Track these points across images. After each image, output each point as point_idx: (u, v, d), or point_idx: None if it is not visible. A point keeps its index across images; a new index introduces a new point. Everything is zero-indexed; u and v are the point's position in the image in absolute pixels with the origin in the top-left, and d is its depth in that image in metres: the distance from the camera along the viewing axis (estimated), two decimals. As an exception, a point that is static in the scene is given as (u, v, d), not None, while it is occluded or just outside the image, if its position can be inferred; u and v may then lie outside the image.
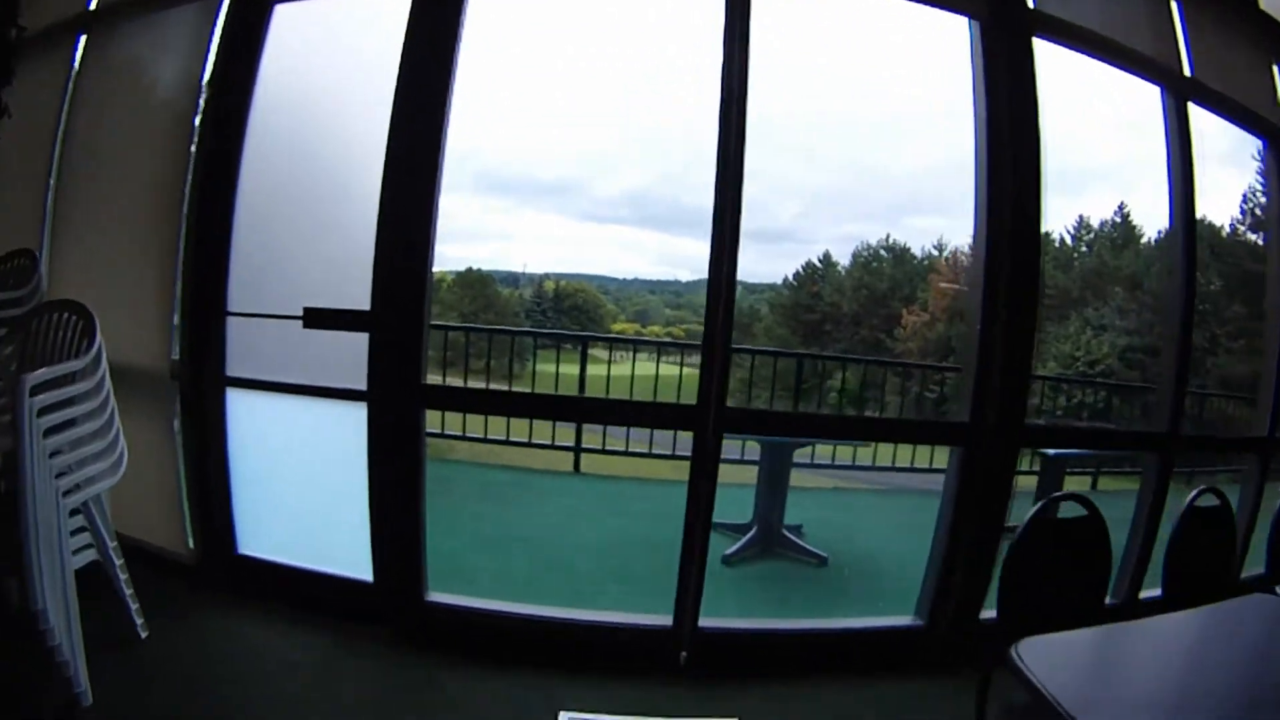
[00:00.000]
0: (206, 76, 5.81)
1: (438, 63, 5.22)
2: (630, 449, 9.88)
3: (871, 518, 10.55)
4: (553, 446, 9.59)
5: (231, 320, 5.73)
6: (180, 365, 6.04)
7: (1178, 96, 6.54)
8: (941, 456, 9.42)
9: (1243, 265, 37.93)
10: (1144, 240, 46.74)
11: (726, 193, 5.32)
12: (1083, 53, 6.31)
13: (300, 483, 6.37)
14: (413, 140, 5.20)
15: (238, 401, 6.07)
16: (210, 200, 5.62)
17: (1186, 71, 6.63)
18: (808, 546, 8.20)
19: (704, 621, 5.89)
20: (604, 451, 9.88)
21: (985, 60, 5.88)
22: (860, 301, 56.59)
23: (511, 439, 9.37)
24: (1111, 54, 6.33)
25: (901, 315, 52.84)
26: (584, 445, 9.72)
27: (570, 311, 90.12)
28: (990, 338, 5.76)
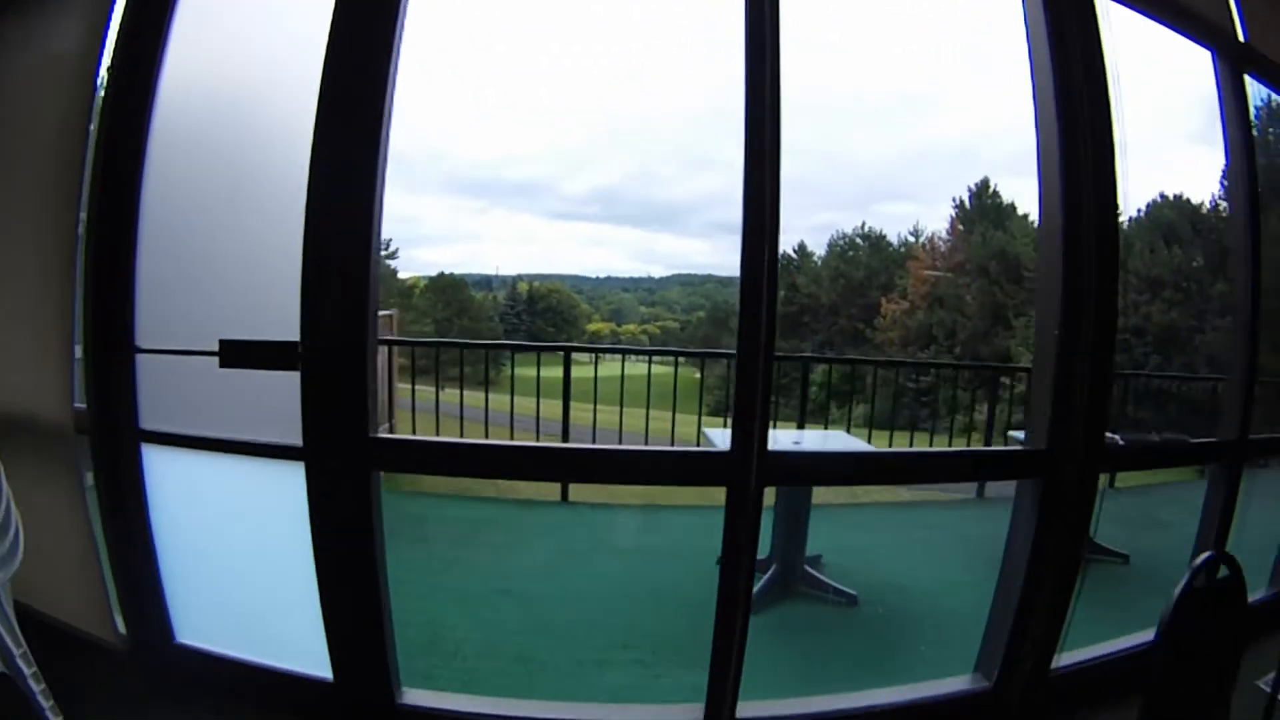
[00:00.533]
0: (104, 66, 4.69)
1: (375, 46, 4.06)
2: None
3: (891, 538, 9.45)
4: (537, 475, 8.76)
5: (140, 358, 4.60)
6: (87, 414, 4.91)
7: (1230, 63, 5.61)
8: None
9: (1224, 242, 37.65)
10: (1122, 216, 46.70)
11: (763, 178, 4.27)
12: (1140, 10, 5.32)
13: (243, 558, 5.30)
14: (347, 138, 4.07)
15: (157, 459, 4.96)
16: (111, 212, 4.47)
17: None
18: (835, 584, 7.16)
19: (743, 710, 4.86)
20: (595, 479, 8.97)
21: (1051, 25, 4.81)
22: (838, 291, 56.44)
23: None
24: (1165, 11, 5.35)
25: (881, 304, 52.70)
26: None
27: (545, 313, 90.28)
28: (1073, 341, 4.73)
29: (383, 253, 32.22)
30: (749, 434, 4.76)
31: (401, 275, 58.00)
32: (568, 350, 7.64)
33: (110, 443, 4.85)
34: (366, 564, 4.64)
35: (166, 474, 4.95)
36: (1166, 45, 5.86)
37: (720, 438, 5.96)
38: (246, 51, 4.80)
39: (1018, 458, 5.57)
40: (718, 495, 4.99)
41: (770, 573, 6.92)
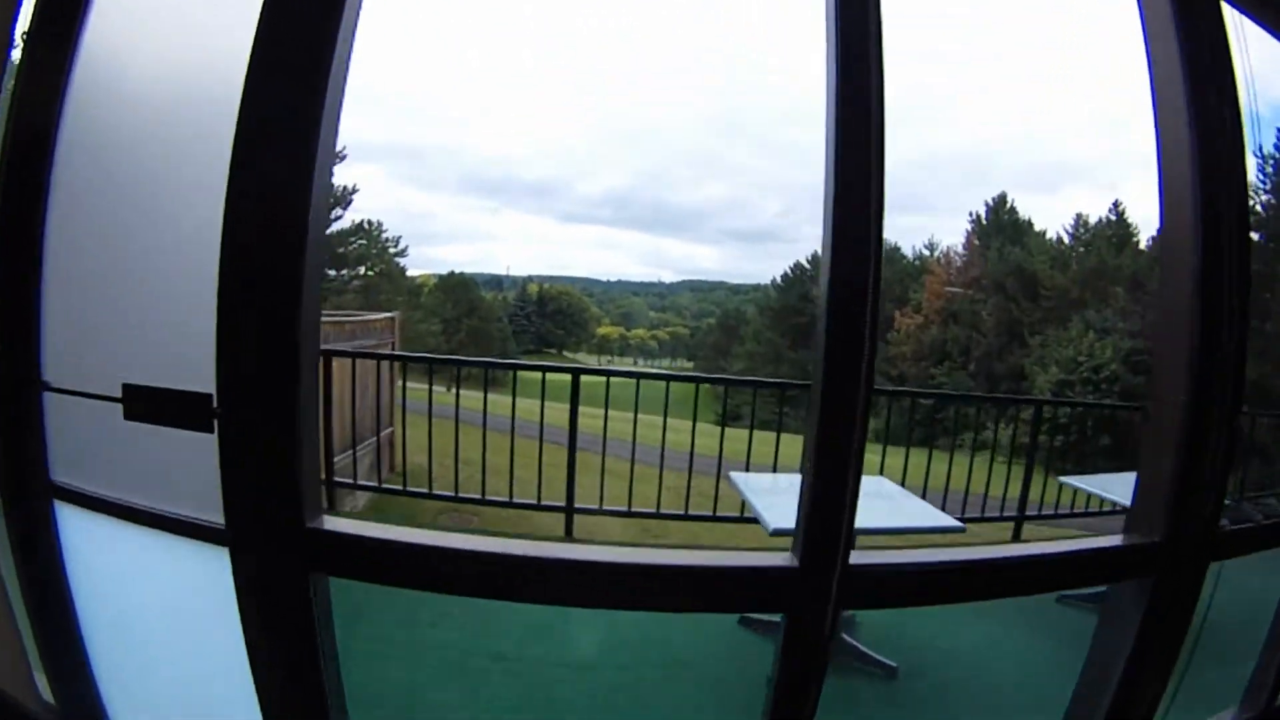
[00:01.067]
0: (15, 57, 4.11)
1: (309, 52, 3.22)
2: (634, 506, 7.51)
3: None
4: (538, 507, 7.32)
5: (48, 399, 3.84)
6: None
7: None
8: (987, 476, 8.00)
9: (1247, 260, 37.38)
10: (1135, 238, 46.40)
11: (868, 160, 3.33)
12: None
13: (177, 647, 4.62)
14: (277, 141, 3.27)
15: (72, 519, 4.23)
16: (9, 233, 3.77)
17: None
18: (871, 654, 6.25)
19: None
20: (602, 512, 7.57)
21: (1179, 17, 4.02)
22: None
23: (488, 497, 7.26)
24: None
25: (894, 317, 52.28)
26: (577, 504, 7.43)
27: (554, 315, 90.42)
28: (1206, 396, 3.68)
29: (392, 250, 31.51)
30: (830, 536, 3.32)
31: (411, 273, 57.70)
32: (575, 372, 6.48)
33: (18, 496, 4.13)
34: (310, 675, 3.68)
35: (83, 536, 4.24)
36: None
37: (755, 489, 5.22)
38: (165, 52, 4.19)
39: (1131, 554, 4.32)
40: (746, 535, 4.48)
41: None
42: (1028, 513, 8.28)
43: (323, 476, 7.03)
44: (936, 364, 49.52)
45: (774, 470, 7.41)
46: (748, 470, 7.30)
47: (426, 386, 7.20)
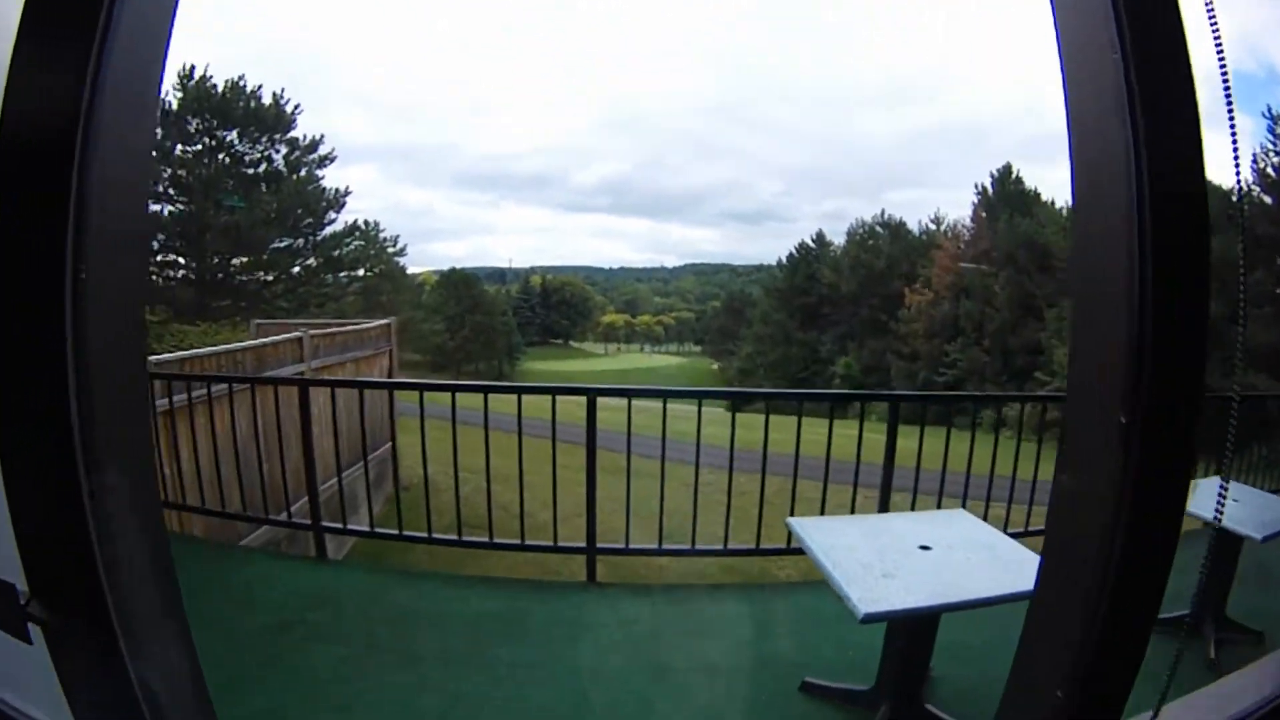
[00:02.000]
0: None
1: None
2: (665, 542, 6.30)
3: (1007, 626, 5.74)
4: (555, 549, 6.21)
5: None
6: None
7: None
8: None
9: (1256, 229, 36.81)
10: None
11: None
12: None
13: None
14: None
15: None
16: None
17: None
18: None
19: None
20: (628, 551, 6.31)
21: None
22: (859, 280, 55.76)
23: (496, 539, 6.16)
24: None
25: (904, 294, 51.81)
26: (600, 544, 6.22)
27: (558, 306, 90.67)
28: None
29: (391, 249, 30.88)
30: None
31: (412, 270, 57.19)
32: (591, 394, 5.53)
33: None
34: None
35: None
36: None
37: (826, 548, 4.11)
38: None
39: None
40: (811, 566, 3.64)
41: (880, 713, 4.83)
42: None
43: (308, 519, 6.17)
44: (949, 340, 49.21)
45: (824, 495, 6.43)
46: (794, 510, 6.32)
47: (428, 392, 6.39)
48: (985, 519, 5.80)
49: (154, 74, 2.31)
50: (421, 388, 6.02)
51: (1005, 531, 5.92)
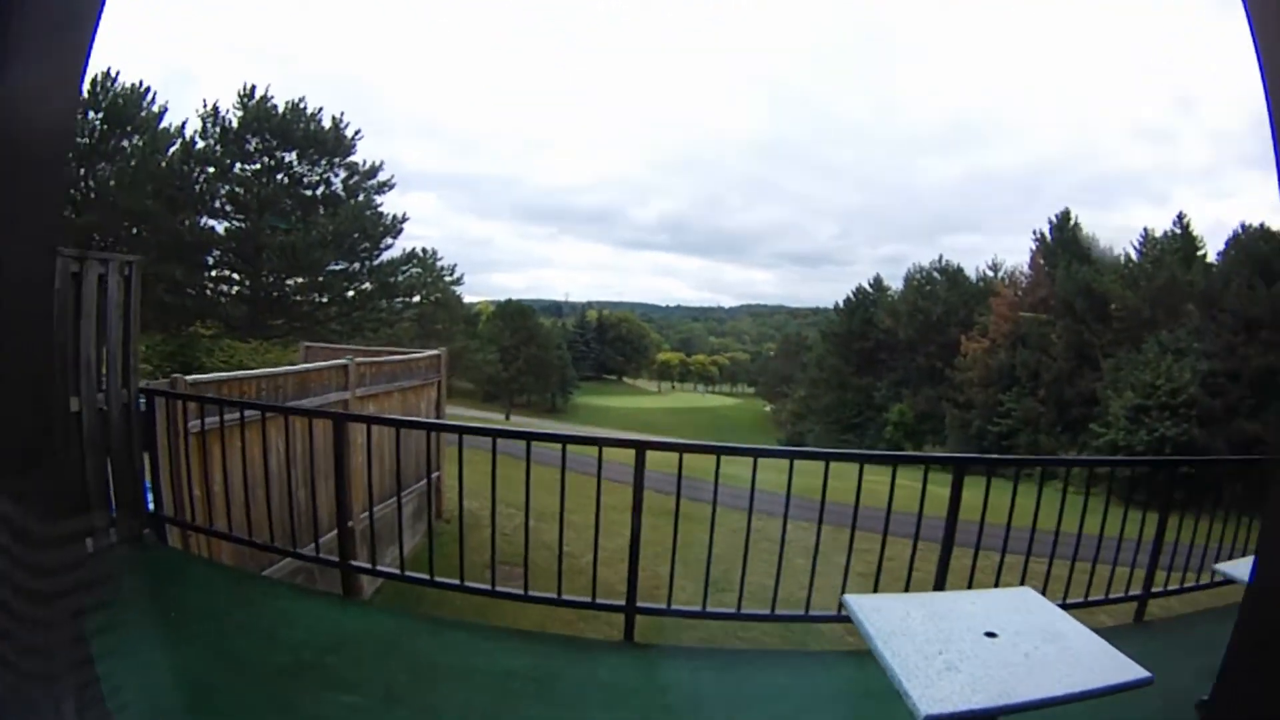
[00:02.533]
0: None
1: None
2: (709, 606, 5.95)
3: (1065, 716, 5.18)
4: (592, 605, 5.86)
5: None
6: None
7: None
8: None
9: None
10: (1202, 251, 45.17)
11: None
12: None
13: None
14: None
15: None
16: None
17: None
18: None
19: None
20: (670, 612, 5.98)
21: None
22: (915, 327, 55.67)
23: (532, 592, 5.81)
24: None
25: (960, 342, 51.54)
26: (640, 602, 5.92)
27: (614, 342, 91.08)
28: None
29: (448, 278, 31.05)
30: None
31: (468, 299, 57.56)
32: (640, 447, 5.25)
33: None
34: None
35: None
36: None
37: (886, 634, 3.85)
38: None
39: None
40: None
41: None
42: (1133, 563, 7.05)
43: (337, 557, 6.00)
44: (1005, 389, 48.76)
45: (878, 567, 6.14)
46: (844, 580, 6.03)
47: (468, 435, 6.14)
48: (1047, 581, 5.58)
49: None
50: (461, 430, 5.80)
51: (1065, 600, 5.73)
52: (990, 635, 3.74)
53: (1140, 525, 6.61)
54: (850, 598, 3.90)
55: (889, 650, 3.36)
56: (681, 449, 5.76)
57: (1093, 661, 3.55)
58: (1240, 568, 4.89)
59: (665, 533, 5.76)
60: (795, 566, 5.86)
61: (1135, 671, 3.31)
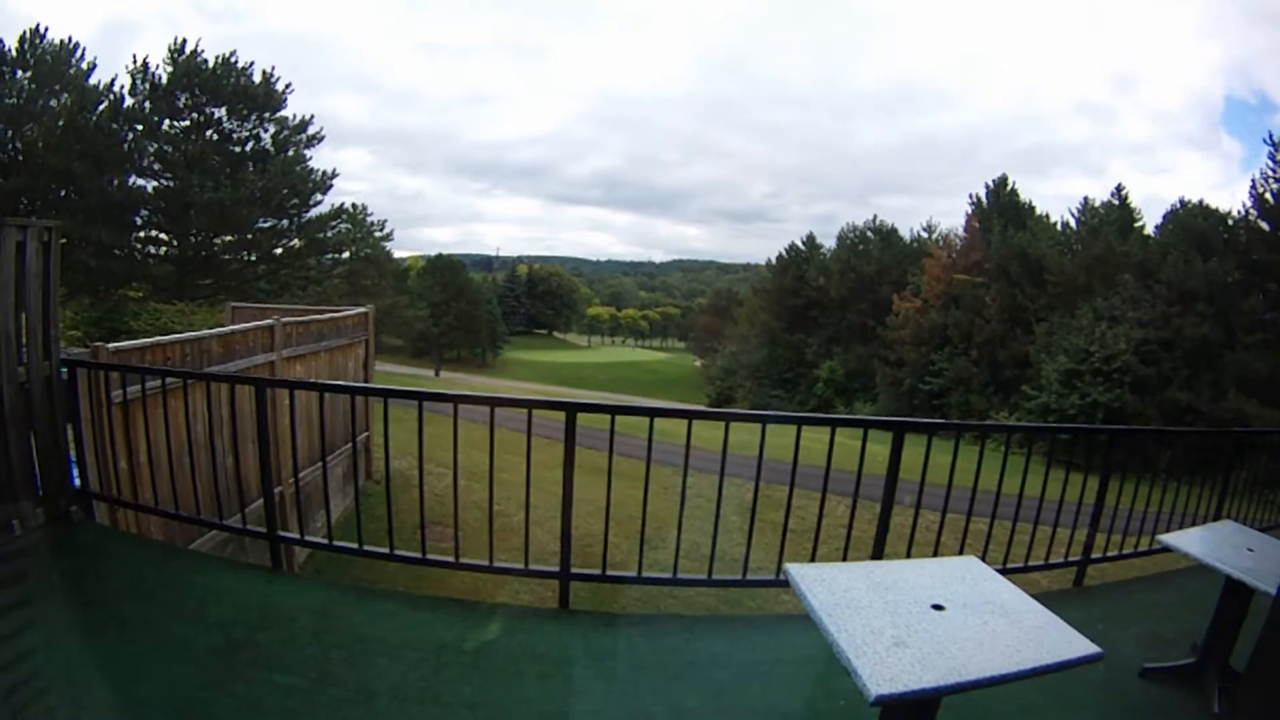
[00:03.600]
0: None
1: None
2: (644, 571, 5.68)
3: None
4: (525, 572, 5.57)
5: None
6: None
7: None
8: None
9: (1253, 254, 37.06)
10: (1140, 223, 46.09)
11: None
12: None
13: None
14: None
15: None
16: None
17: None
18: None
19: None
20: (605, 578, 5.63)
21: None
22: (848, 286, 56.11)
23: (462, 561, 5.56)
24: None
25: (893, 301, 52.08)
26: (575, 568, 5.63)
27: (544, 296, 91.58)
28: None
29: (378, 234, 30.94)
30: None
31: (399, 255, 57.31)
32: (571, 409, 4.98)
33: None
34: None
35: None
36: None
37: (831, 608, 3.59)
38: None
39: None
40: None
41: None
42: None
43: (265, 528, 5.74)
44: (937, 349, 49.51)
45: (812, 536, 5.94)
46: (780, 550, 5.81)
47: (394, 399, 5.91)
48: (987, 544, 5.42)
49: None
50: (387, 394, 5.59)
51: (1006, 564, 5.60)
52: (938, 608, 3.54)
53: (1081, 489, 6.58)
54: (793, 567, 3.65)
55: (835, 625, 3.12)
56: (613, 411, 5.55)
57: (1043, 636, 3.34)
58: (1183, 540, 4.84)
59: (599, 490, 5.64)
60: (732, 525, 5.78)
61: (1086, 647, 3.13)
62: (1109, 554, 6.79)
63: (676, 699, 4.44)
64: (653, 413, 5.58)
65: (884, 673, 2.91)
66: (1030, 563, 6.39)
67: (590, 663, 4.88)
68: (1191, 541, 4.86)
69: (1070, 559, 6.60)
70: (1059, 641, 3.28)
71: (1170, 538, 4.96)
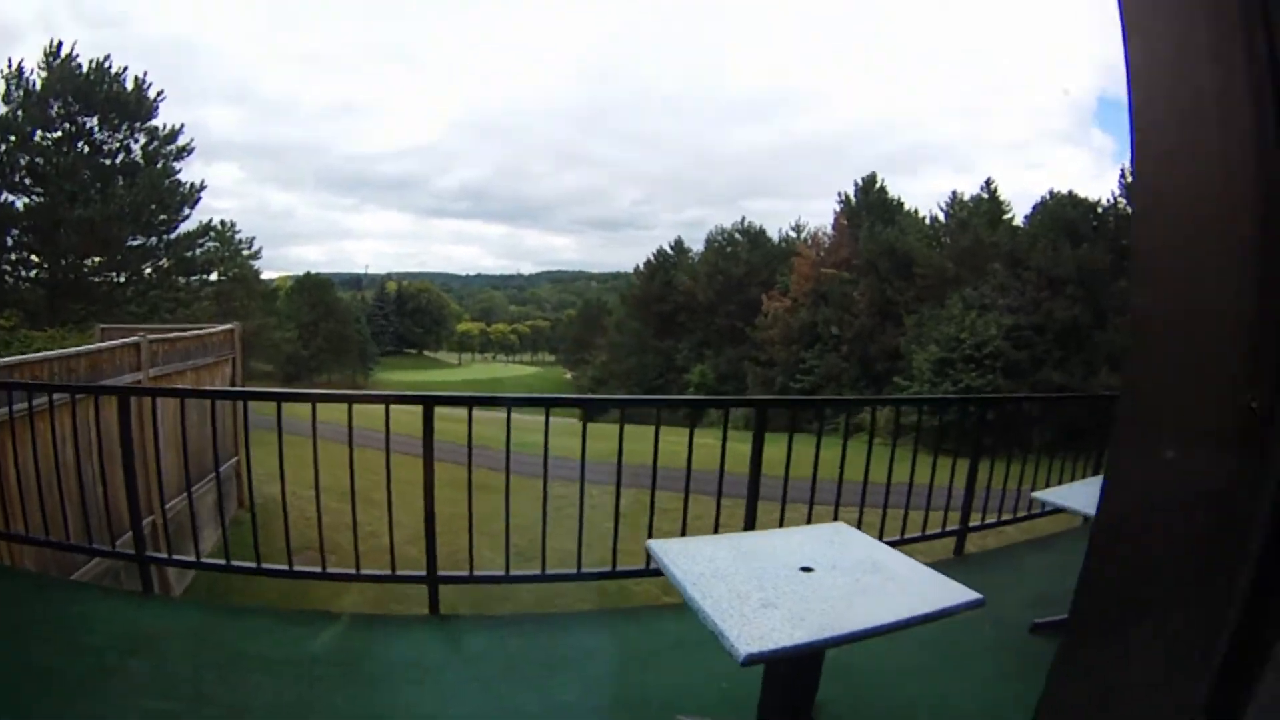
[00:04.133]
0: None
1: None
2: (513, 566, 5.59)
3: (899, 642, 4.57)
4: (393, 578, 5.43)
5: None
6: None
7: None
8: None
9: (1122, 239, 38.37)
10: (1009, 214, 47.30)
11: None
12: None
13: None
14: None
15: None
16: None
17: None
18: None
19: None
20: (472, 579, 5.49)
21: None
22: (716, 289, 56.53)
23: (329, 570, 5.39)
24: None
25: (762, 301, 52.56)
26: (442, 571, 5.52)
27: (414, 314, 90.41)
28: None
29: (246, 252, 30.32)
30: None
31: (267, 275, 56.36)
32: (429, 402, 5.01)
33: None
34: None
35: None
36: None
37: (695, 577, 3.52)
38: None
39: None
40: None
41: None
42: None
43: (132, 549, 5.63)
44: (807, 347, 50.46)
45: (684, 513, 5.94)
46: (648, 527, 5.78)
47: (256, 401, 5.87)
48: (859, 526, 5.47)
49: None
50: (246, 396, 5.64)
51: (881, 539, 5.64)
52: (806, 570, 3.69)
53: (951, 471, 6.70)
54: (654, 543, 3.63)
55: (699, 593, 3.14)
56: (470, 401, 5.60)
57: (919, 588, 3.38)
58: (1054, 494, 5.28)
59: (464, 505, 5.63)
60: (602, 530, 5.74)
61: (964, 594, 3.18)
62: (987, 521, 6.93)
63: (553, 694, 4.48)
64: (510, 401, 5.66)
65: (752, 632, 2.95)
66: (907, 535, 6.47)
67: (464, 665, 4.89)
68: (1061, 494, 5.10)
69: (948, 529, 6.70)
70: (937, 591, 3.33)
71: (1042, 493, 5.18)
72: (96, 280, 36.85)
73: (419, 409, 5.29)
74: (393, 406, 5.47)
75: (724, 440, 5.84)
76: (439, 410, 5.32)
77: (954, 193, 49.91)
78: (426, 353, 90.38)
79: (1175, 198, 2.04)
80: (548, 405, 5.54)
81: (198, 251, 39.07)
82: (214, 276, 41.54)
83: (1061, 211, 41.34)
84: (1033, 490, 6.07)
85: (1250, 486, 1.61)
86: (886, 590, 3.51)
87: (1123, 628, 2.00)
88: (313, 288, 65.88)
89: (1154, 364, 2.07)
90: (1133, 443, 2.03)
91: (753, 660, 2.78)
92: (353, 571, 5.44)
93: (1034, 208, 44.55)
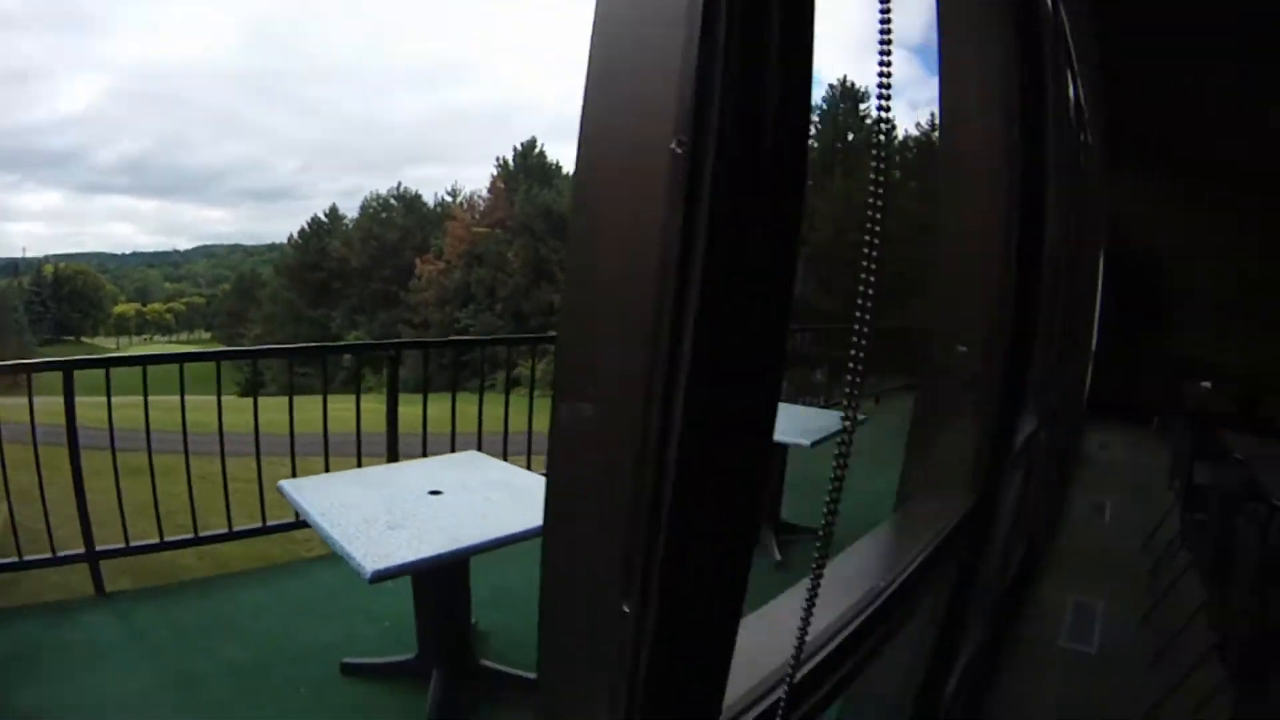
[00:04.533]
0: None
1: None
2: (165, 535, 6.24)
3: (526, 558, 4.62)
4: (53, 561, 5.85)
5: None
6: None
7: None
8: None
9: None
10: None
11: None
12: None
13: None
14: None
15: None
16: None
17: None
18: (516, 672, 4.74)
19: None
20: (131, 550, 6.12)
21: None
22: (370, 254, 56.51)
23: None
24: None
25: (416, 265, 52.92)
26: (101, 546, 5.98)
27: (70, 298, 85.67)
28: None
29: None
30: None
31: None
32: (69, 367, 5.20)
33: None
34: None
35: None
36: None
37: (318, 497, 3.90)
38: None
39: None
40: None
41: (431, 691, 4.52)
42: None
43: None
44: (461, 306, 51.24)
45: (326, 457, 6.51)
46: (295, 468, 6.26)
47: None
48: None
49: None
50: None
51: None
52: (435, 493, 4.30)
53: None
54: (286, 483, 4.28)
55: (329, 522, 3.80)
56: (108, 364, 6.15)
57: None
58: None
59: (143, 491, 6.08)
60: (253, 494, 6.29)
61: None
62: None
63: (226, 655, 4.93)
64: (145, 361, 6.26)
65: (378, 552, 3.46)
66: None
67: (134, 640, 5.28)
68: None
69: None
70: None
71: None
72: None
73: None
74: (37, 398, 5.68)
75: (358, 395, 7.03)
76: (89, 400, 5.69)
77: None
78: (84, 339, 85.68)
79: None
80: (182, 361, 6.30)
81: None
82: None
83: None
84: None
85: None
86: (520, 504, 4.19)
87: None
88: (-39, 279, 62.05)
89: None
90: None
91: (379, 576, 3.34)
92: (16, 560, 5.62)
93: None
